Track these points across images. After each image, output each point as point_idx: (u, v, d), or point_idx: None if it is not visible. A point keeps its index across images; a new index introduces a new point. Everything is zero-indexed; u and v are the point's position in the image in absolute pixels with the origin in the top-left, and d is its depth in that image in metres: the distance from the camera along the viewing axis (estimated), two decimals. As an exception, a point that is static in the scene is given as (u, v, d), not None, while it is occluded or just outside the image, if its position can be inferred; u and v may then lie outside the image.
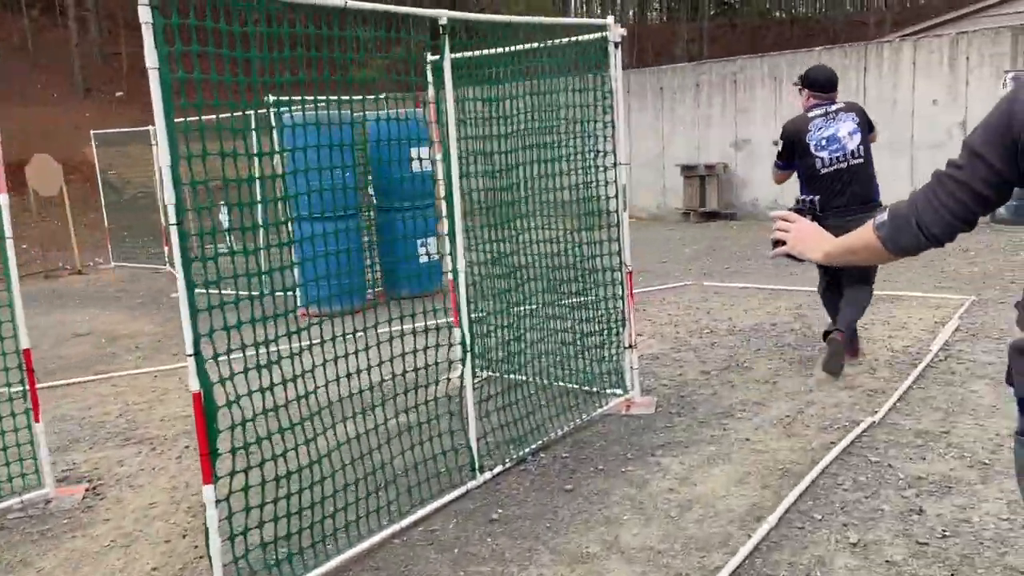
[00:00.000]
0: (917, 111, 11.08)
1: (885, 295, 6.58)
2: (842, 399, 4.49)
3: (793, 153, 4.91)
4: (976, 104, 10.67)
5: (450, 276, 5.17)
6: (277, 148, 7.19)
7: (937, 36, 11.26)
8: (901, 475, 3.51)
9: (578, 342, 4.71)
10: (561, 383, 4.69)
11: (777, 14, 44.89)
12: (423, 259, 8.01)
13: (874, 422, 4.09)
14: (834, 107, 4.86)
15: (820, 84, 4.94)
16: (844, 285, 4.98)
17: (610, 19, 4.31)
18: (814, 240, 1.89)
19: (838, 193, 4.74)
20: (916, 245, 1.64)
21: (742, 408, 4.46)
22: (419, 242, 8.05)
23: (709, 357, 5.44)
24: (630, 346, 4.62)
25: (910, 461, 3.64)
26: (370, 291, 8.27)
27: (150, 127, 10.49)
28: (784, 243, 1.94)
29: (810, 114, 4.85)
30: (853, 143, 4.76)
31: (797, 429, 4.11)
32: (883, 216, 1.67)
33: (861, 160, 4.77)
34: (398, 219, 8.01)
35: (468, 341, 3.59)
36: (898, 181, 10.15)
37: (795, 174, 5.03)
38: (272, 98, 7.83)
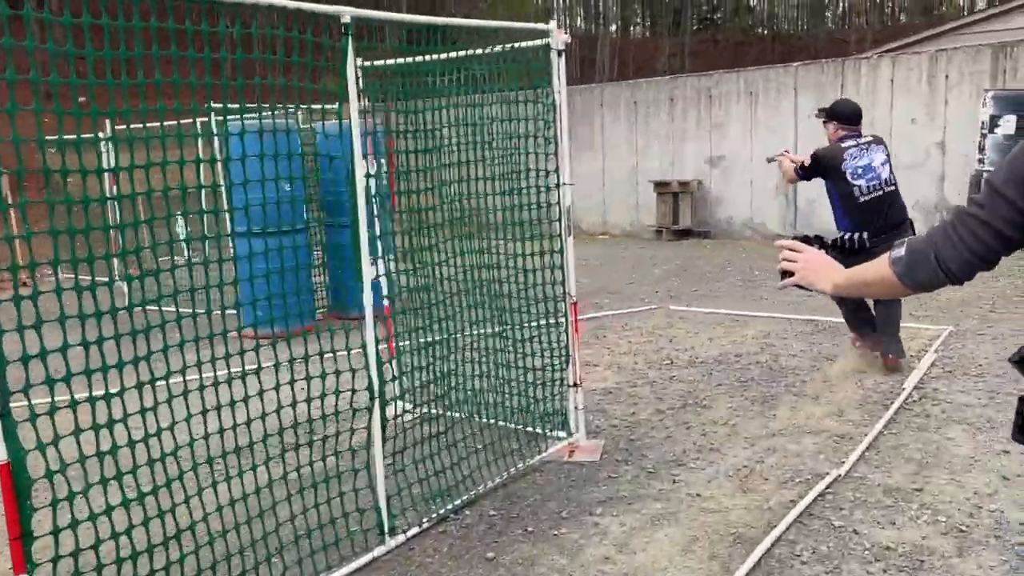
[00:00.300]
0: (895, 130, 10.76)
1: (858, 324, 6.20)
2: (806, 446, 4.07)
3: (817, 174, 5.11)
4: (955, 123, 10.38)
5: (387, 302, 4.76)
6: (220, 157, 6.78)
7: (916, 53, 10.98)
8: (867, 543, 3.08)
9: (519, 378, 4.27)
10: (502, 423, 4.26)
11: (760, 31, 44.94)
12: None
13: (839, 475, 3.67)
14: (864, 139, 5.06)
15: (847, 117, 5.15)
16: (875, 302, 5.12)
17: (552, 24, 3.89)
18: (824, 271, 1.84)
19: (881, 220, 4.87)
20: (934, 281, 1.59)
21: (696, 455, 4.03)
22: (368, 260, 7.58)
23: (666, 393, 5.02)
24: (574, 385, 4.18)
25: (878, 526, 3.22)
26: (320, 311, 7.81)
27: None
28: (792, 273, 1.88)
29: (844, 144, 5.00)
30: (886, 172, 4.98)
31: (754, 483, 3.68)
32: (899, 251, 1.62)
33: (894, 188, 4.99)
34: (346, 236, 7.56)
35: (377, 385, 3.14)
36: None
37: (828, 203, 5.23)
38: (215, 104, 7.37)
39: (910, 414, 4.44)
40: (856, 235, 4.86)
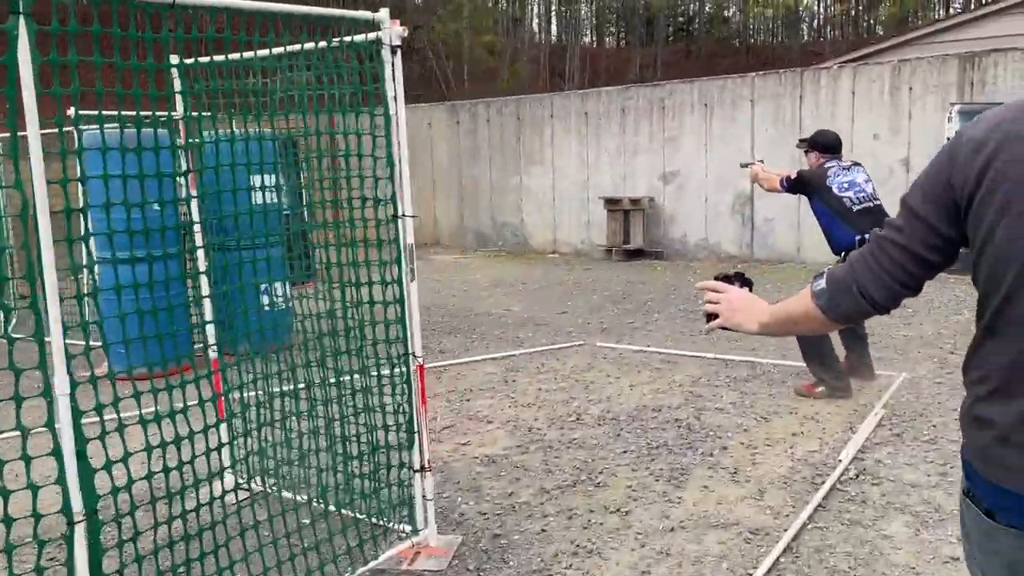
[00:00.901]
0: (856, 145, 10.04)
1: (794, 367, 5.40)
2: (709, 547, 3.25)
3: (804, 191, 5.12)
4: (920, 139, 9.67)
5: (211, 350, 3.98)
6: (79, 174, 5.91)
7: (878, 63, 10.28)
8: None
9: (359, 458, 3.42)
10: (346, 511, 3.40)
11: (735, 42, 44.47)
12: (267, 308, 6.69)
13: (741, 598, 2.85)
14: (846, 162, 5.11)
15: (827, 147, 5.18)
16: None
17: (384, 13, 3.05)
18: (748, 310, 1.73)
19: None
20: (859, 311, 1.49)
21: (569, 560, 3.19)
22: (262, 287, 6.72)
23: (560, 463, 4.18)
24: (421, 469, 3.33)
25: None
26: (199, 346, 6.89)
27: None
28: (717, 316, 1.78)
29: (826, 165, 5.04)
30: (870, 188, 5.00)
31: (631, 608, 2.85)
32: (820, 282, 1.52)
33: (880, 203, 4.95)
34: (235, 261, 6.68)
35: (81, 501, 2.25)
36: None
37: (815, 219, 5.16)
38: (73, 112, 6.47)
39: (844, 497, 3.63)
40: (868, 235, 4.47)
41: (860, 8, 43.60)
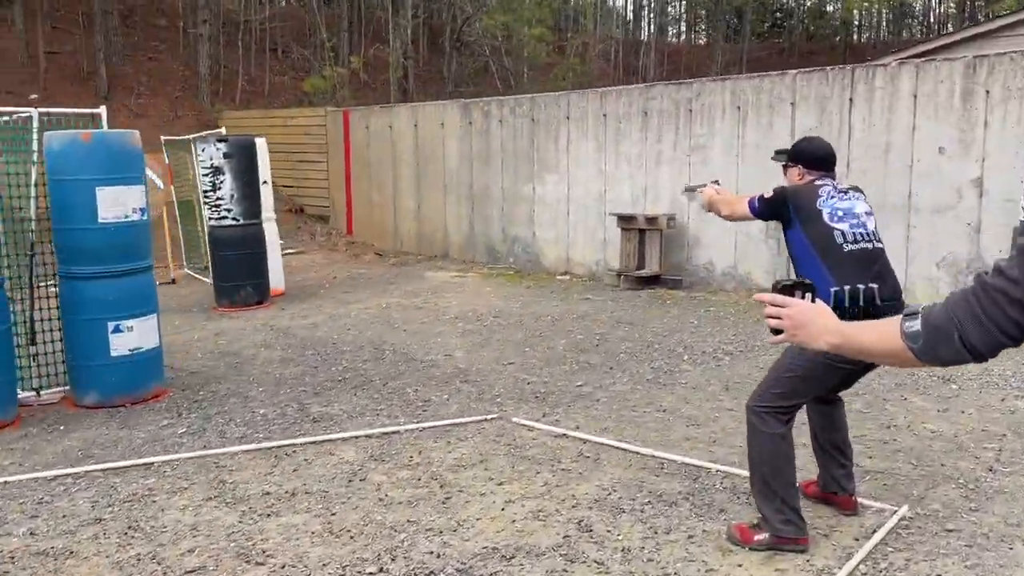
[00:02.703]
0: (918, 161, 8.12)
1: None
2: None
3: (779, 215, 3.56)
4: (997, 155, 7.67)
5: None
6: None
7: (948, 60, 8.27)
8: None
9: None
10: None
11: (836, 38, 41.25)
12: (117, 351, 5.48)
13: None
14: (843, 185, 3.62)
15: (814, 160, 3.68)
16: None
17: None
18: (816, 326, 1.62)
19: (878, 279, 3.36)
20: (957, 359, 1.46)
21: None
22: (111, 325, 5.51)
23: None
24: None
25: None
26: (33, 395, 5.73)
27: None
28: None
29: (817, 182, 3.59)
30: (872, 224, 3.54)
31: None
32: (914, 324, 1.47)
33: (882, 246, 3.53)
34: (80, 290, 5.50)
35: None
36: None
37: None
38: None
39: None
40: (862, 288, 3.28)
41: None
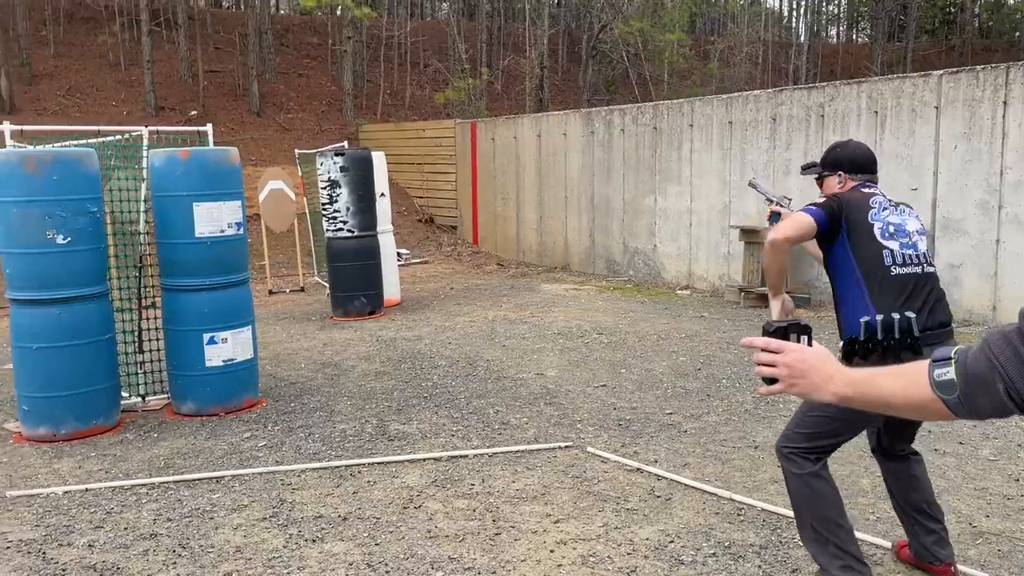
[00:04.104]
0: (1087, 169, 7.13)
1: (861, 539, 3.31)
2: None
3: (838, 226, 3.02)
4: None
5: None
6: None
7: None
8: None
9: None
10: None
11: (1017, 34, 37.64)
12: (211, 362, 5.66)
13: None
14: (890, 198, 3.18)
15: (857, 163, 3.23)
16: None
17: None
18: (817, 375, 1.42)
19: (927, 309, 2.96)
20: (1000, 413, 1.28)
21: None
22: (206, 337, 5.69)
23: None
24: None
25: None
26: (139, 400, 6.00)
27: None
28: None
29: (865, 189, 3.14)
30: (923, 245, 3.12)
31: None
32: (947, 372, 1.28)
33: (934, 270, 3.11)
34: (178, 302, 5.72)
35: None
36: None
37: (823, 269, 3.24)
38: None
39: None
40: (897, 317, 2.86)
41: None
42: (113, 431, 5.43)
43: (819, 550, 2.96)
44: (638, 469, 4.50)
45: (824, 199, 3.10)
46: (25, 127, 6.20)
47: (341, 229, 9.16)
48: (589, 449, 4.82)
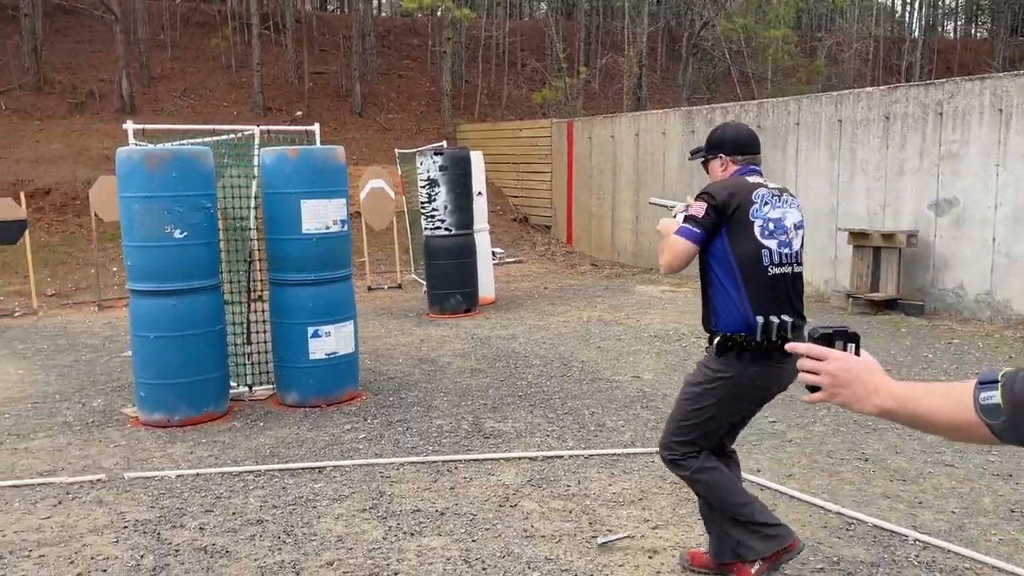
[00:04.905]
0: None
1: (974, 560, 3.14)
2: None
3: (723, 225, 2.94)
4: None
5: None
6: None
7: None
8: None
9: None
10: None
11: None
12: (315, 355, 5.82)
13: None
14: (773, 184, 3.06)
15: (741, 145, 3.11)
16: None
17: None
18: (860, 386, 1.36)
19: (792, 310, 2.98)
20: None
21: None
22: (310, 330, 5.85)
23: None
24: None
25: None
26: (247, 390, 6.22)
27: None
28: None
29: (749, 179, 3.02)
30: (798, 242, 3.05)
31: None
32: (992, 396, 1.22)
33: (801, 270, 3.07)
34: (284, 296, 5.89)
35: None
36: None
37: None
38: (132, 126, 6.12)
39: None
40: (774, 320, 2.86)
41: None
42: (222, 419, 5.64)
43: (738, 531, 3.03)
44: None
45: (704, 198, 2.96)
46: (147, 126, 6.51)
47: (439, 227, 9.27)
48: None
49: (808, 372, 1.43)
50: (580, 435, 5.13)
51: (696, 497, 3.32)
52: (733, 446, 3.32)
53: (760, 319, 2.86)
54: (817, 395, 1.43)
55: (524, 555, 3.56)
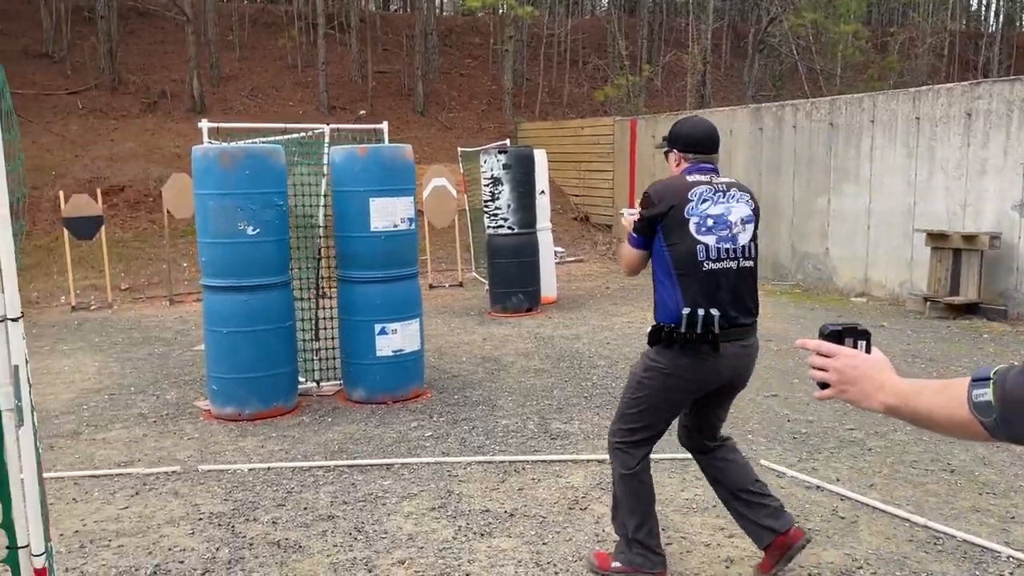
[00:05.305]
0: None
1: None
2: None
3: (656, 228, 3.06)
4: None
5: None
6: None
7: None
8: None
9: None
10: None
11: None
12: (381, 351, 5.85)
13: None
14: (721, 179, 3.12)
15: (692, 141, 3.16)
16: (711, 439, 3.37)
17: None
18: (867, 383, 1.38)
19: (734, 305, 3.04)
20: None
21: None
22: (377, 327, 5.87)
23: None
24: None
25: None
26: (315, 385, 6.28)
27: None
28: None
29: (689, 177, 3.11)
30: (745, 236, 3.08)
31: None
32: (984, 393, 1.22)
33: (751, 264, 3.11)
34: (352, 293, 5.93)
35: None
36: None
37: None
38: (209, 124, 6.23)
39: None
40: (701, 312, 2.96)
41: None
42: (291, 413, 5.71)
43: (624, 541, 3.21)
44: (818, 487, 4.22)
45: (639, 217, 3.08)
46: (221, 124, 6.62)
47: (502, 226, 9.25)
48: (763, 462, 4.57)
49: (818, 369, 1.44)
50: (649, 438, 5.03)
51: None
52: (721, 441, 3.38)
53: (687, 311, 2.95)
54: (826, 392, 1.45)
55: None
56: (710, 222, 3.00)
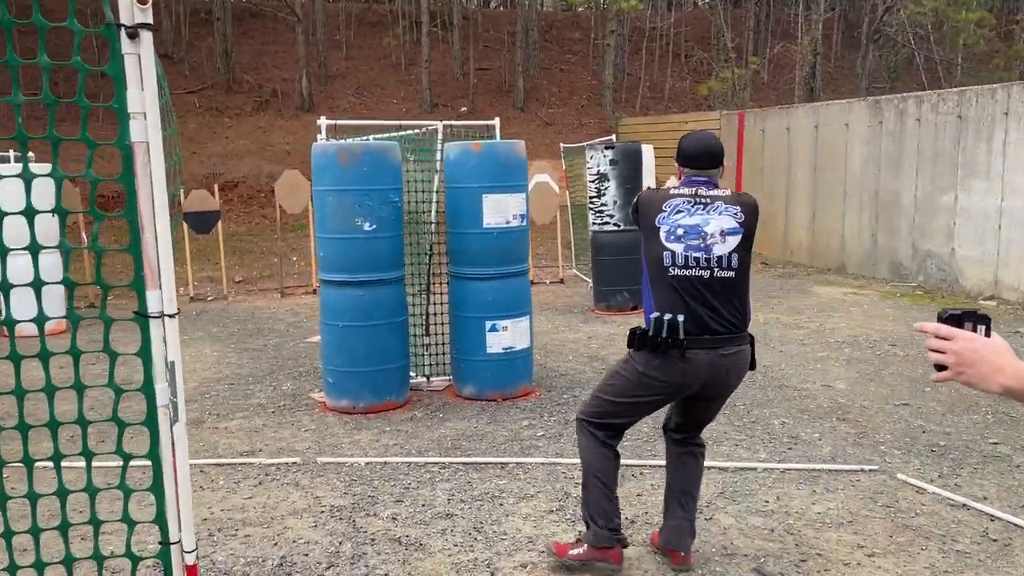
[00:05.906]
0: None
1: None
2: None
3: (638, 225, 3.32)
4: None
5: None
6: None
7: None
8: None
9: None
10: None
11: None
12: (492, 348, 5.83)
13: None
14: (712, 191, 3.20)
15: (690, 159, 3.30)
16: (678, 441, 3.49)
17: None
18: (984, 366, 1.39)
19: (702, 314, 3.09)
20: None
21: None
22: (488, 324, 5.84)
23: None
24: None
25: None
26: (425, 380, 6.30)
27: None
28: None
29: (674, 189, 3.26)
30: (723, 248, 3.10)
31: None
32: None
33: (731, 274, 3.11)
34: (463, 290, 5.92)
35: None
36: None
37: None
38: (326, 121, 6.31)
39: None
40: (667, 318, 3.06)
41: None
42: (403, 408, 5.74)
43: (589, 508, 3.32)
44: (964, 505, 3.94)
45: (635, 200, 3.36)
46: (339, 121, 6.73)
47: (607, 223, 9.11)
48: (899, 476, 4.30)
49: (936, 351, 1.45)
50: (772, 447, 4.82)
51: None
52: (698, 442, 3.46)
53: (655, 315, 3.08)
54: (944, 374, 1.45)
55: (727, 573, 3.34)
56: (680, 231, 3.11)
